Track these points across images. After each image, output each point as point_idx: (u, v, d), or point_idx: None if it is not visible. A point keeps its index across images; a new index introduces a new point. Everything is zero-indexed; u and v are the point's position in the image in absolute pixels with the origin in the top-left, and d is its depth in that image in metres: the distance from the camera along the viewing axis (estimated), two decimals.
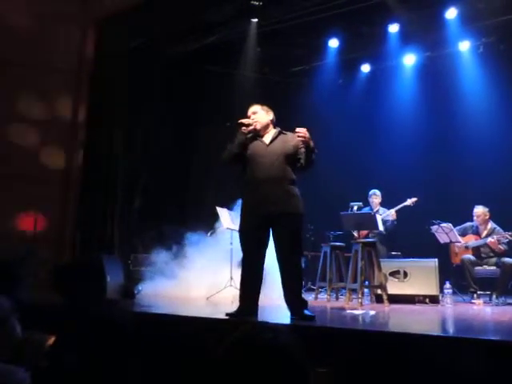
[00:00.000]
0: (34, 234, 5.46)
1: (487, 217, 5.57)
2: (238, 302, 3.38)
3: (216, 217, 5.66)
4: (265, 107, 3.55)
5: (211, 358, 0.97)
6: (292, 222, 3.28)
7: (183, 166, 7.40)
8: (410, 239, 6.01)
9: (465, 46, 6.75)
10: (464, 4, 6.10)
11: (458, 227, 5.68)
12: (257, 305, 3.34)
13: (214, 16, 6.10)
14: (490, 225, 5.55)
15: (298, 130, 3.26)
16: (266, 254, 3.39)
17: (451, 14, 6.27)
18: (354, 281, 4.68)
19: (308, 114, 6.83)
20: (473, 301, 5.11)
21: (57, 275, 4.34)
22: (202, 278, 5.44)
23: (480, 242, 5.48)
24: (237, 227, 5.45)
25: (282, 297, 3.36)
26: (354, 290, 4.78)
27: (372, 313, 4.05)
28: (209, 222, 6.01)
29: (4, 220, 5.44)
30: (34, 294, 4.08)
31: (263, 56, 7.03)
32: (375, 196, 6.24)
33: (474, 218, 5.64)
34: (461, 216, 5.83)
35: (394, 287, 4.95)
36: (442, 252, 5.60)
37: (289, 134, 3.44)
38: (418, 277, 4.95)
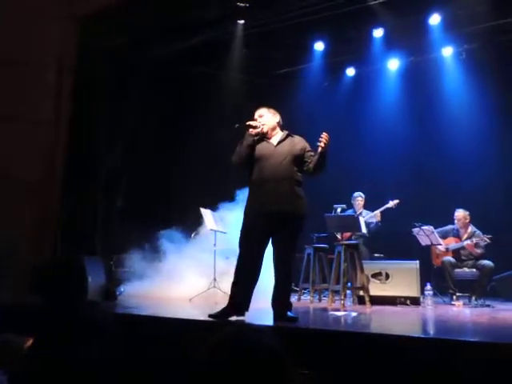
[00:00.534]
0: (14, 233, 5.34)
1: (468, 220, 5.67)
2: (221, 303, 3.36)
3: (200, 218, 5.63)
4: (272, 110, 3.57)
5: (194, 360, 0.96)
6: (294, 223, 3.29)
7: (167, 167, 7.35)
8: (392, 241, 6.08)
9: (448, 51, 6.87)
10: (447, 11, 6.20)
11: (439, 230, 5.77)
12: (247, 306, 3.31)
13: (200, 17, 6.08)
14: (471, 228, 5.65)
15: (324, 134, 3.32)
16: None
17: (435, 20, 6.38)
18: (337, 282, 4.71)
19: (293, 116, 6.82)
20: (453, 302, 5.19)
21: (36, 276, 4.25)
22: (185, 279, 5.41)
23: (459, 244, 5.58)
24: (220, 228, 5.48)
25: (266, 299, 3.35)
26: (336, 292, 4.81)
27: (354, 314, 4.08)
28: (193, 223, 5.98)
29: None
30: (12, 295, 3.99)
31: (249, 57, 7.03)
32: (359, 198, 6.31)
33: (455, 221, 5.74)
34: (442, 219, 5.92)
35: (376, 289, 5.00)
36: (423, 254, 5.68)
37: (296, 137, 3.49)
38: (400, 278, 5.01)
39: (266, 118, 3.50)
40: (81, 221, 5.97)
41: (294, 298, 5.13)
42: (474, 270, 5.38)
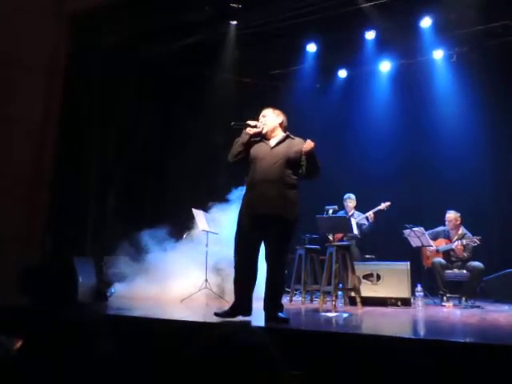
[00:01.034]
0: (2, 234, 5.28)
1: (458, 222, 5.72)
2: (212, 304, 3.36)
3: (192, 219, 5.62)
4: (276, 111, 3.56)
5: (186, 359, 0.96)
6: (282, 226, 3.27)
7: (159, 167, 7.32)
8: (384, 242, 6.11)
9: (438, 54, 6.94)
10: (438, 14, 6.27)
11: (430, 231, 5.81)
12: (250, 304, 3.33)
13: (193, 17, 6.07)
14: (461, 230, 5.70)
15: (308, 141, 3.33)
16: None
17: (426, 23, 6.44)
18: (329, 283, 4.72)
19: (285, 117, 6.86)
20: (443, 303, 5.23)
21: (26, 276, 4.21)
22: (176, 280, 5.39)
23: (449, 246, 5.62)
24: (212, 229, 5.46)
25: (259, 300, 3.35)
26: (328, 293, 4.82)
27: (345, 315, 4.10)
28: (184, 224, 5.96)
29: None
30: (1, 296, 3.95)
31: (242, 59, 7.03)
32: (350, 200, 6.32)
33: (446, 222, 5.78)
34: (433, 220, 5.96)
35: (367, 290, 5.02)
36: (414, 255, 5.71)
37: (297, 139, 3.46)
38: (391, 280, 5.04)
39: (268, 119, 3.49)
40: (71, 221, 5.92)
41: (285, 299, 5.14)
42: (464, 271, 5.42)
